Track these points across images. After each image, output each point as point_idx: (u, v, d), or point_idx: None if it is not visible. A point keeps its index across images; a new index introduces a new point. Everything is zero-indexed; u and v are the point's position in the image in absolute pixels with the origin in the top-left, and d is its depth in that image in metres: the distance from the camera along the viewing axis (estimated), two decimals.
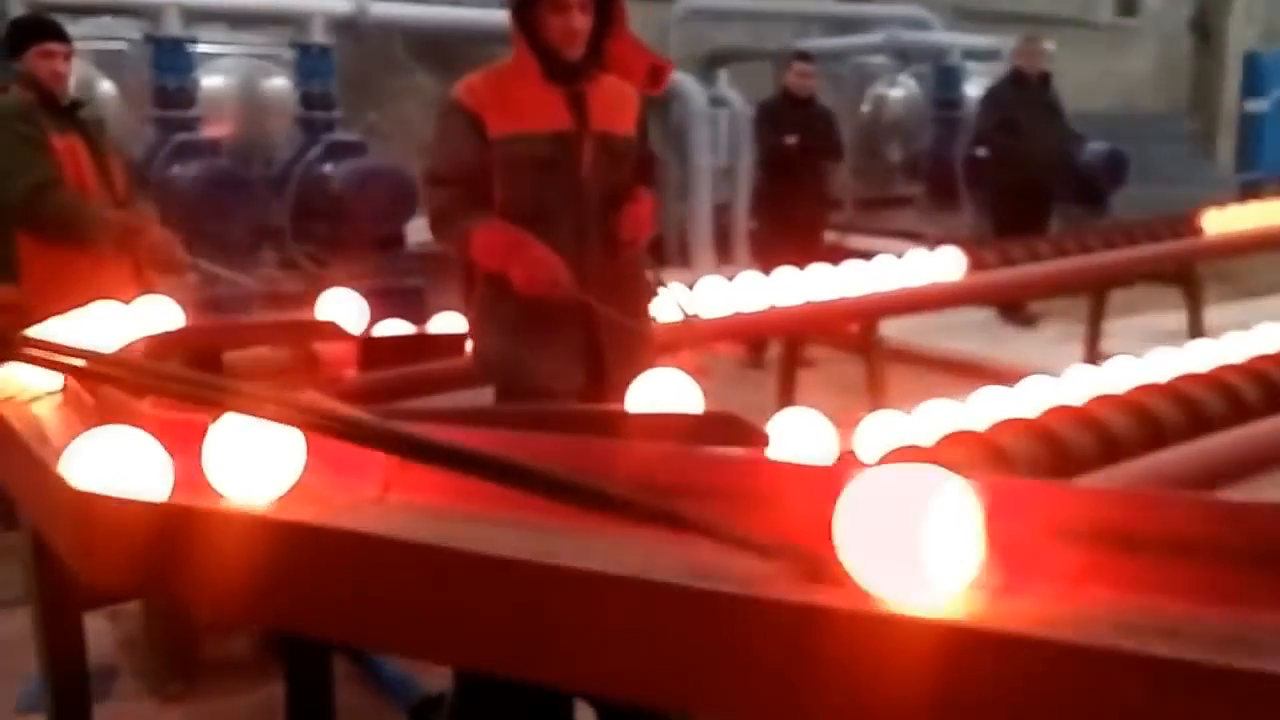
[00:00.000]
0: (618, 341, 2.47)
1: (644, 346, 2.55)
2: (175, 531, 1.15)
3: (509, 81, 2.47)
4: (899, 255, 3.86)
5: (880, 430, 1.78)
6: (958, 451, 1.69)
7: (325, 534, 1.08)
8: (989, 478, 1.02)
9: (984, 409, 1.97)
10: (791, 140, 6.14)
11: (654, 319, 2.71)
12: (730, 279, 3.43)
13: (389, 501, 1.28)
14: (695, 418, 1.66)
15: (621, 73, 2.55)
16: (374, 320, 2.94)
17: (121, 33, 6.77)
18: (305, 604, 1.10)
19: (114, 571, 1.22)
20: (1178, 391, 2.09)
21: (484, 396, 2.58)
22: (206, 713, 2.70)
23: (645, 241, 2.57)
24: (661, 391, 1.81)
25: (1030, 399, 2.07)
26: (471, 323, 2.61)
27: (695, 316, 3.04)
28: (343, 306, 2.86)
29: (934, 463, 1.59)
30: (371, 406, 2.65)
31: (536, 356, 2.44)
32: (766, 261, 6.25)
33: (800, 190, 6.23)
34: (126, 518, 1.19)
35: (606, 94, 2.51)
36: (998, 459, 1.71)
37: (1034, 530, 1.01)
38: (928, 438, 1.72)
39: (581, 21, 2.40)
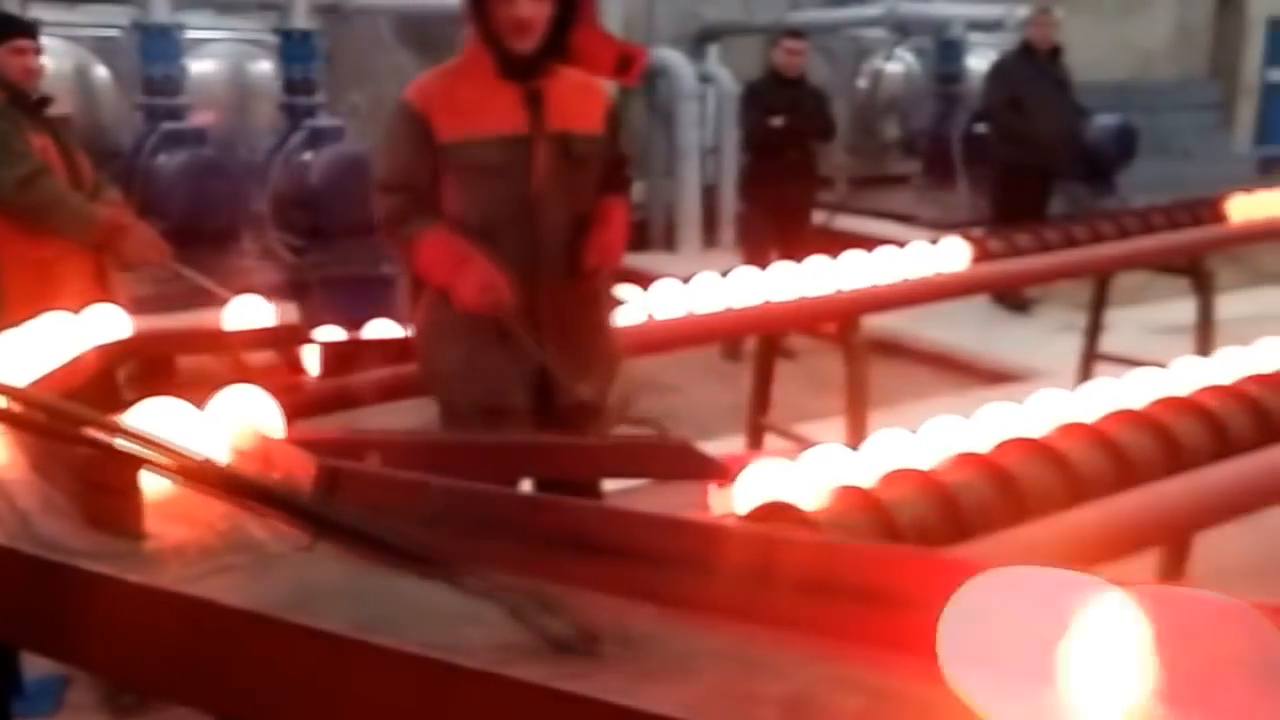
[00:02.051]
0: (566, 363, 2.31)
1: (596, 370, 2.40)
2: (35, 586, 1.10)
3: (461, 80, 2.31)
4: (901, 244, 3.72)
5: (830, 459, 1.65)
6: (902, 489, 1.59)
7: (169, 597, 1.01)
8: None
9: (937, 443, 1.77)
10: (778, 122, 6.02)
11: (612, 339, 2.52)
12: (724, 274, 3.34)
13: (318, 550, 1.22)
14: (650, 447, 1.59)
15: (587, 65, 2.39)
16: (344, 314, 2.85)
17: (116, 19, 6.72)
18: (161, 668, 1.04)
19: None
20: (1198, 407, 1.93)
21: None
22: None
23: (614, 265, 2.41)
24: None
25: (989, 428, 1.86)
26: (416, 332, 2.49)
27: None
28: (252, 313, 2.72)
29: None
30: (331, 416, 2.65)
31: (481, 373, 2.31)
32: (751, 245, 6.25)
33: (788, 172, 6.10)
34: None
35: (568, 90, 2.34)
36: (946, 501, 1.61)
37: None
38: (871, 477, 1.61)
39: (531, 10, 2.21)
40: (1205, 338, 4.28)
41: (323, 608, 0.99)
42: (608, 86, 2.50)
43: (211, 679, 1.01)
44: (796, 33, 6.43)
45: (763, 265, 3.50)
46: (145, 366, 2.47)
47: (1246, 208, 4.56)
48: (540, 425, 2.28)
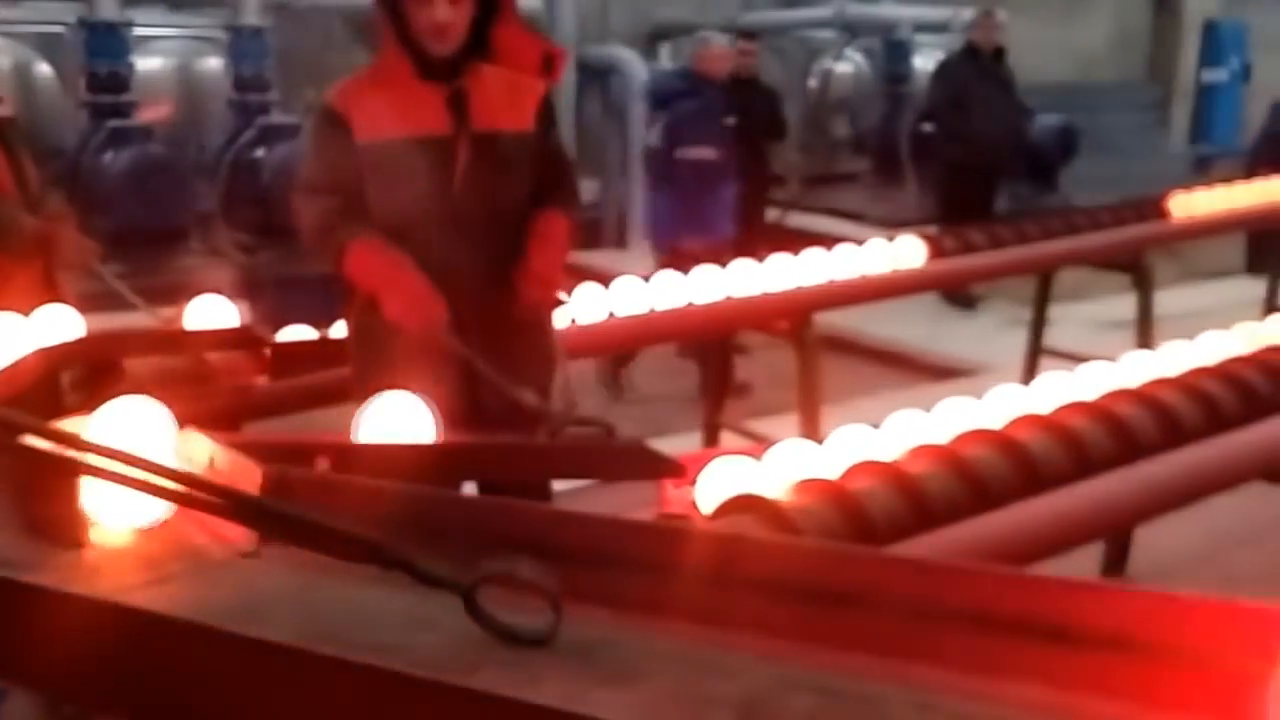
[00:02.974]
0: (499, 368, 2.22)
1: (533, 372, 2.31)
2: None
3: (380, 81, 2.27)
4: (851, 242, 3.80)
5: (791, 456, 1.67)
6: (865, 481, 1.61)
7: (108, 609, 0.99)
8: None
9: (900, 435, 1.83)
10: (731, 121, 6.05)
11: (550, 340, 2.44)
12: (686, 272, 3.36)
13: (264, 555, 1.20)
14: (607, 449, 1.58)
15: (511, 64, 2.32)
16: (299, 314, 2.81)
17: (60, 15, 6.62)
18: (101, 682, 1.03)
19: None
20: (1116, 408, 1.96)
21: None
22: None
23: (553, 292, 2.34)
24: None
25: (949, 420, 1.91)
26: (347, 336, 2.44)
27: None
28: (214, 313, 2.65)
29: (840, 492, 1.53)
30: (283, 420, 2.62)
31: (414, 379, 2.15)
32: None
33: (741, 171, 6.14)
34: None
35: (493, 88, 2.27)
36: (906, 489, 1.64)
37: None
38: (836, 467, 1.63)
39: (448, 13, 2.16)
40: (1145, 332, 4.40)
41: (269, 617, 0.98)
42: (538, 83, 2.40)
43: (153, 692, 0.99)
44: (749, 34, 6.48)
45: (720, 263, 3.52)
46: (92, 370, 2.41)
47: (1187, 205, 4.73)
48: (472, 430, 2.20)
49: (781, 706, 0.87)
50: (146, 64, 6.74)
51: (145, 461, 1.08)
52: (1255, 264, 7.24)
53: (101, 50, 6.26)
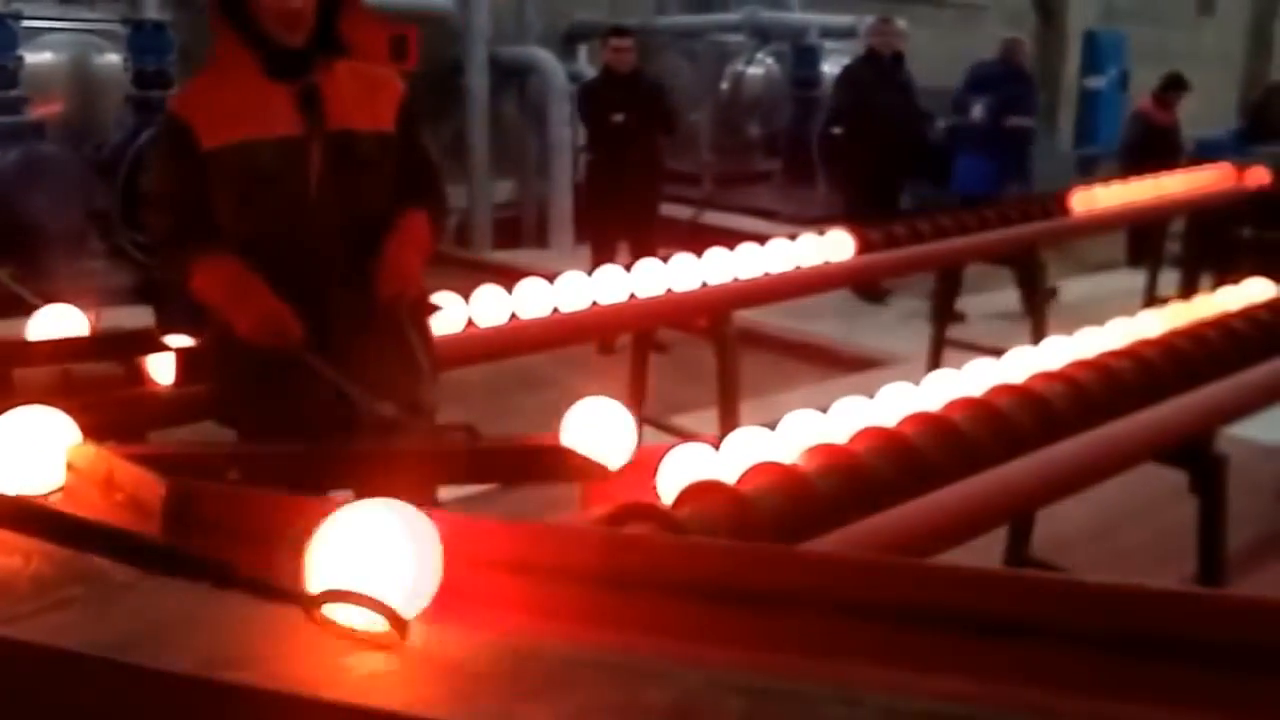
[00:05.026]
0: (366, 379, 2.06)
1: (403, 382, 2.16)
2: None
3: (223, 82, 2.10)
4: (764, 239, 3.82)
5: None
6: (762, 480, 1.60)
7: None
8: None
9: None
10: (619, 118, 6.03)
11: (422, 348, 2.26)
12: (628, 267, 3.37)
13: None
14: (527, 449, 1.55)
15: (363, 54, 2.20)
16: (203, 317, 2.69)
17: None
18: None
19: None
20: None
21: None
22: None
23: (413, 286, 2.18)
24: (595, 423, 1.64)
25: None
26: (205, 352, 2.28)
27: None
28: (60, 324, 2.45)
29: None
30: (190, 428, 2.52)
31: (277, 394, 2.08)
32: (598, 241, 6.26)
33: (632, 168, 6.08)
34: None
35: (349, 85, 2.12)
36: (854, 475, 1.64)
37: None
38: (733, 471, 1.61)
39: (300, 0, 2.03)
40: (1039, 322, 4.72)
41: (171, 644, 0.92)
42: (399, 81, 2.27)
43: None
44: (621, 30, 6.45)
45: (611, 261, 3.52)
46: None
47: (1087, 201, 5.12)
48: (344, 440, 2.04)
49: (714, 711, 0.86)
50: (37, 58, 6.47)
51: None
52: (1134, 257, 7.67)
53: None
